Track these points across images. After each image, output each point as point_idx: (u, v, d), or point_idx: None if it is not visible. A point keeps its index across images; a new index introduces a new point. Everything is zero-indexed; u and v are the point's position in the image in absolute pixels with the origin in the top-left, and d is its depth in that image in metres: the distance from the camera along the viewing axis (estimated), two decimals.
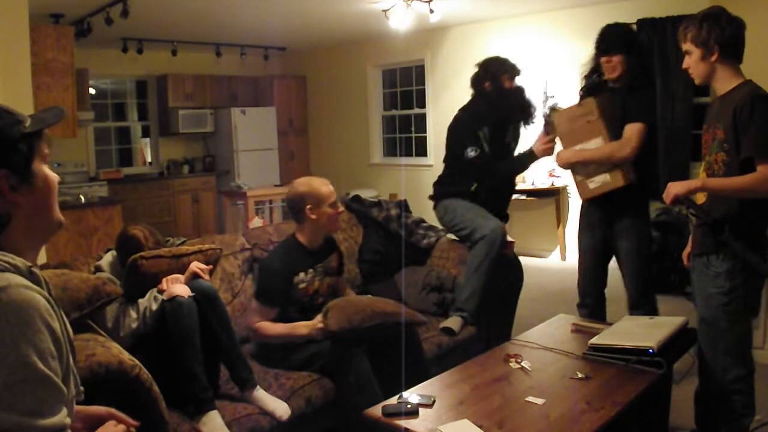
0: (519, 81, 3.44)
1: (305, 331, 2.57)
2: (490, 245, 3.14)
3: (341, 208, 2.81)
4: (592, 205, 3.11)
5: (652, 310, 3.06)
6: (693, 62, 2.26)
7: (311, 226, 2.73)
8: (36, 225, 1.11)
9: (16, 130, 1.06)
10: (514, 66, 3.41)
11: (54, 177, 1.14)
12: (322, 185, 2.75)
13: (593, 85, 3.11)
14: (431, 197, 3.55)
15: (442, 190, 3.50)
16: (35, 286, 1.03)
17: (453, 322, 3.06)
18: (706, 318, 2.32)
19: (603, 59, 2.98)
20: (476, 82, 3.43)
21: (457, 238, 3.45)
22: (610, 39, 2.98)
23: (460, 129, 3.40)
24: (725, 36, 2.17)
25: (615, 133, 2.98)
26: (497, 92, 3.35)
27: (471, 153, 3.31)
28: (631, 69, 2.95)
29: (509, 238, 3.32)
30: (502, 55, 3.52)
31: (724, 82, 2.24)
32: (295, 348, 2.59)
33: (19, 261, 1.05)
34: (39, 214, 1.11)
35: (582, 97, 3.15)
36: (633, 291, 3.08)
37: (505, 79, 3.36)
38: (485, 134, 3.33)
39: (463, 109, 3.47)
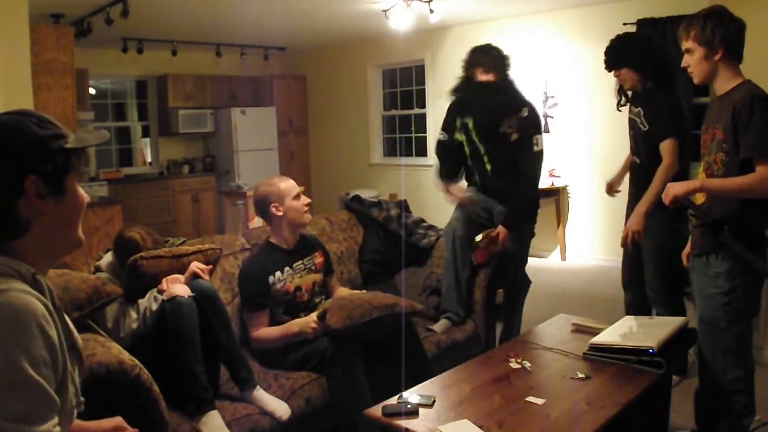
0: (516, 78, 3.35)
1: (297, 328, 2.60)
2: (447, 238, 3.25)
3: (307, 200, 2.85)
4: (630, 201, 3.21)
5: (672, 309, 3.09)
6: (695, 61, 2.24)
7: (280, 224, 2.79)
8: (56, 238, 1.11)
9: (56, 144, 1.08)
10: (494, 59, 3.21)
11: (85, 197, 1.15)
12: (281, 181, 2.84)
13: (628, 96, 3.21)
14: None
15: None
16: (35, 292, 1.03)
17: (438, 325, 3.09)
18: (705, 318, 2.32)
19: (614, 73, 3.11)
20: (463, 66, 3.38)
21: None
22: (612, 54, 3.09)
23: (446, 113, 3.42)
24: (729, 35, 2.15)
25: (636, 144, 3.14)
26: (469, 84, 3.31)
27: (440, 137, 3.41)
28: (647, 78, 3.04)
29: (480, 242, 3.20)
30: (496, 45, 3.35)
31: (724, 82, 2.23)
32: (291, 348, 2.60)
33: (23, 267, 1.04)
34: (61, 227, 1.11)
35: (621, 109, 3.26)
36: (649, 287, 3.17)
37: (478, 71, 3.24)
38: (466, 123, 3.28)
39: (451, 93, 3.44)
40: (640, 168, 3.13)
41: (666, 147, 2.95)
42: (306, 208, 2.83)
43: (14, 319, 0.97)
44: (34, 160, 1.05)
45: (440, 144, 3.43)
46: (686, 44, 2.25)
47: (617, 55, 3.08)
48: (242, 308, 2.76)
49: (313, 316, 2.59)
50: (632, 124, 3.15)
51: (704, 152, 2.31)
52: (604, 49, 3.14)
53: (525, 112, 3.22)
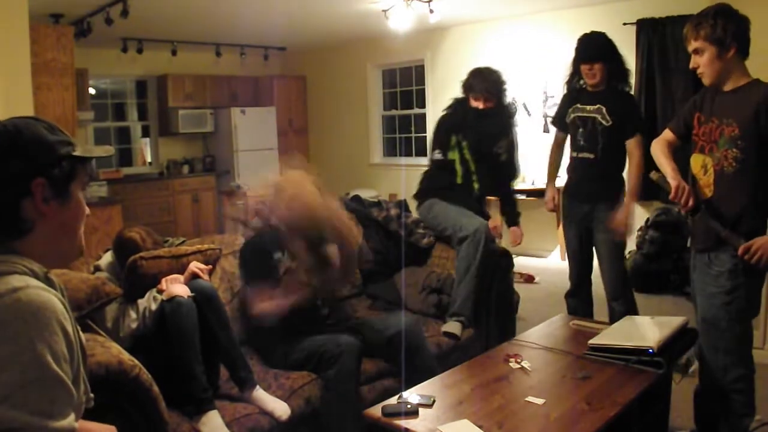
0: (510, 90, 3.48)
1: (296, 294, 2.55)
2: (476, 246, 3.16)
3: None
4: (574, 199, 3.29)
5: (629, 304, 3.23)
6: (706, 61, 2.17)
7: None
8: (57, 243, 1.14)
9: (65, 150, 1.11)
10: (485, 87, 3.35)
11: (86, 208, 1.18)
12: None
13: (576, 90, 3.29)
14: (416, 195, 3.59)
15: (425, 187, 3.53)
16: (52, 290, 1.06)
17: (453, 326, 3.07)
18: (707, 317, 2.30)
19: (584, 66, 3.15)
20: (462, 88, 3.52)
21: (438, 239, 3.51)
22: (591, 47, 3.16)
23: (436, 130, 3.52)
24: (740, 31, 2.11)
25: (591, 140, 3.17)
26: (463, 105, 3.45)
27: (437, 155, 3.44)
28: (611, 75, 3.15)
29: (518, 234, 3.56)
30: (495, 65, 3.52)
31: (734, 79, 2.18)
32: (292, 348, 2.60)
33: (36, 266, 1.08)
34: (63, 233, 1.14)
35: (565, 101, 3.33)
36: (609, 283, 3.27)
37: (471, 96, 3.41)
38: (460, 140, 3.38)
39: (445, 110, 3.54)
40: (596, 163, 3.17)
41: (636, 142, 3.11)
42: None
43: (36, 316, 0.99)
44: (44, 162, 1.08)
45: (437, 163, 3.46)
46: (695, 44, 2.18)
47: (601, 48, 3.14)
48: (247, 285, 2.67)
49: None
50: (584, 121, 3.18)
51: (703, 143, 2.27)
52: (582, 42, 3.19)
53: (513, 135, 3.50)
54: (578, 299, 3.41)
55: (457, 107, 3.49)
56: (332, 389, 2.41)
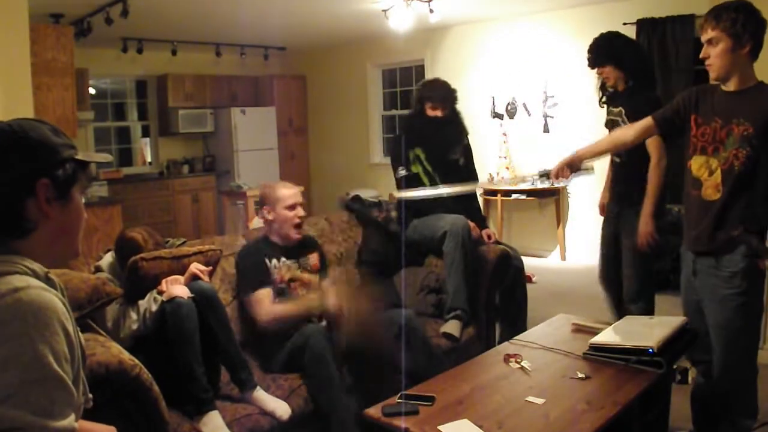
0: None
1: (316, 303, 2.66)
2: (455, 239, 3.22)
3: (301, 213, 2.82)
4: (610, 200, 3.30)
5: (646, 308, 3.15)
6: (718, 53, 2.12)
7: (270, 227, 2.85)
8: (57, 244, 1.15)
9: (68, 153, 1.13)
10: (442, 96, 3.43)
11: (84, 212, 1.20)
12: (282, 187, 2.84)
13: (609, 94, 3.25)
14: (399, 221, 3.59)
15: (405, 212, 3.53)
16: (53, 290, 1.06)
17: (451, 326, 3.06)
18: (721, 322, 2.24)
19: (597, 71, 3.13)
20: (413, 101, 3.58)
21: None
22: (596, 51, 3.11)
23: (395, 148, 3.60)
24: (759, 31, 2.09)
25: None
26: (420, 117, 3.51)
27: (401, 173, 3.52)
28: (629, 77, 3.06)
29: (490, 233, 3.55)
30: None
31: (742, 79, 2.15)
32: (280, 352, 2.60)
33: (36, 266, 1.08)
34: (63, 235, 1.15)
35: (604, 105, 3.32)
36: (627, 286, 3.19)
37: (427, 106, 3.46)
38: (419, 153, 3.48)
39: (399, 128, 3.59)
40: (623, 166, 3.15)
41: (652, 144, 2.96)
42: (297, 221, 2.82)
43: (37, 316, 1.00)
44: (48, 163, 1.10)
45: (404, 179, 3.50)
46: (711, 34, 2.13)
47: (601, 52, 3.09)
48: (243, 292, 2.71)
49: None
50: (613, 124, 3.15)
51: (704, 144, 2.24)
52: (588, 47, 3.15)
53: (467, 140, 3.59)
54: (611, 295, 3.39)
55: (414, 121, 3.58)
56: (310, 378, 2.42)
